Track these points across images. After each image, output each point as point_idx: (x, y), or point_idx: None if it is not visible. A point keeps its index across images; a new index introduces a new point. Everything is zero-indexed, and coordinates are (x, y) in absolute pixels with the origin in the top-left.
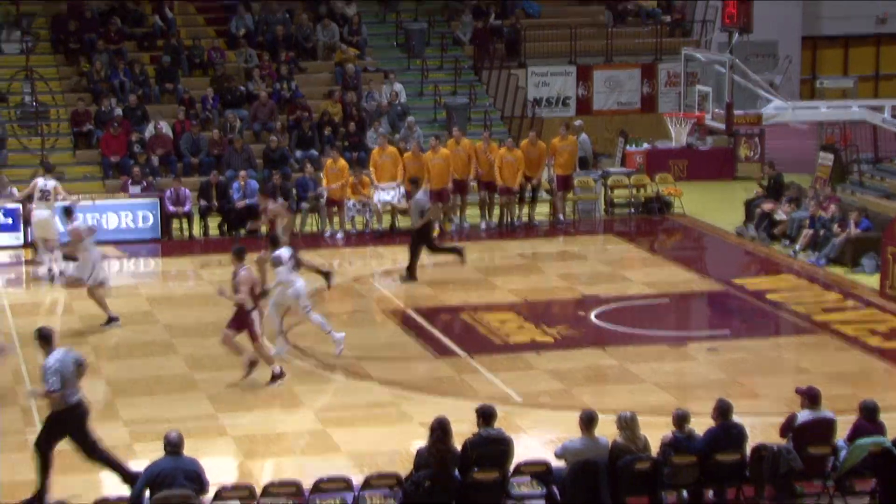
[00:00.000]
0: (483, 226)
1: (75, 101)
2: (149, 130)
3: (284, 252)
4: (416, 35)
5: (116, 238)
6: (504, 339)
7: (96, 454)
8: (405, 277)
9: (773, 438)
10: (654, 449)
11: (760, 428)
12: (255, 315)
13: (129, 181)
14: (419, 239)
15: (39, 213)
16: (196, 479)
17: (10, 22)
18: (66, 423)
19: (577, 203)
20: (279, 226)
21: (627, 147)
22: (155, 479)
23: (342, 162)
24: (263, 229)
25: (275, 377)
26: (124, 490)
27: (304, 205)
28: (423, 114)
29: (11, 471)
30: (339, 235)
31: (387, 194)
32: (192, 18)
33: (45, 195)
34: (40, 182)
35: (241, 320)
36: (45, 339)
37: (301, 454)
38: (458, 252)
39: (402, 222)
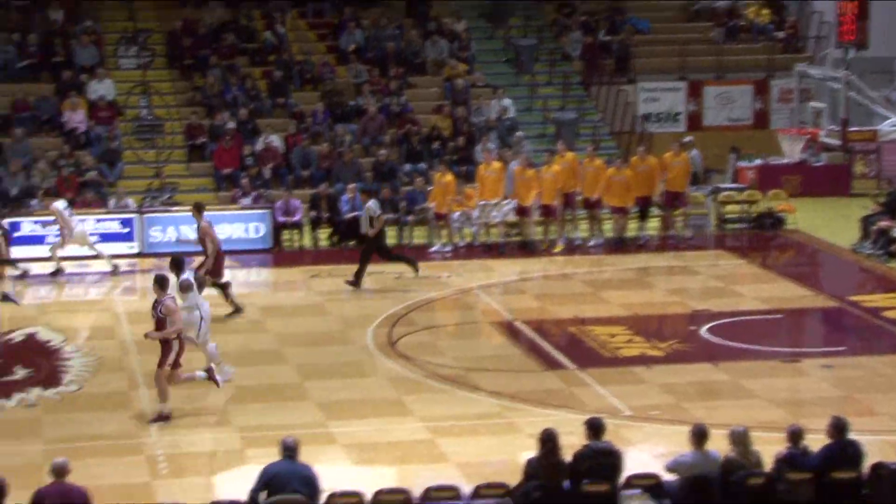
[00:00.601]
0: (592, 242)
1: (189, 114)
2: (260, 144)
3: (190, 275)
4: (526, 51)
5: (228, 248)
6: (613, 352)
7: None
8: (352, 282)
9: (891, 457)
10: (768, 466)
11: (878, 446)
12: (174, 344)
13: (240, 193)
14: (371, 246)
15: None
16: (310, 484)
17: (128, 38)
18: None
19: (688, 218)
20: (209, 247)
21: (739, 163)
22: (270, 480)
23: (449, 176)
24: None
25: (161, 417)
26: (239, 493)
27: (411, 217)
28: (531, 129)
29: (125, 475)
30: (447, 248)
31: (493, 210)
32: (304, 34)
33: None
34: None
35: (166, 350)
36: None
37: (410, 463)
38: (412, 263)
39: (510, 237)
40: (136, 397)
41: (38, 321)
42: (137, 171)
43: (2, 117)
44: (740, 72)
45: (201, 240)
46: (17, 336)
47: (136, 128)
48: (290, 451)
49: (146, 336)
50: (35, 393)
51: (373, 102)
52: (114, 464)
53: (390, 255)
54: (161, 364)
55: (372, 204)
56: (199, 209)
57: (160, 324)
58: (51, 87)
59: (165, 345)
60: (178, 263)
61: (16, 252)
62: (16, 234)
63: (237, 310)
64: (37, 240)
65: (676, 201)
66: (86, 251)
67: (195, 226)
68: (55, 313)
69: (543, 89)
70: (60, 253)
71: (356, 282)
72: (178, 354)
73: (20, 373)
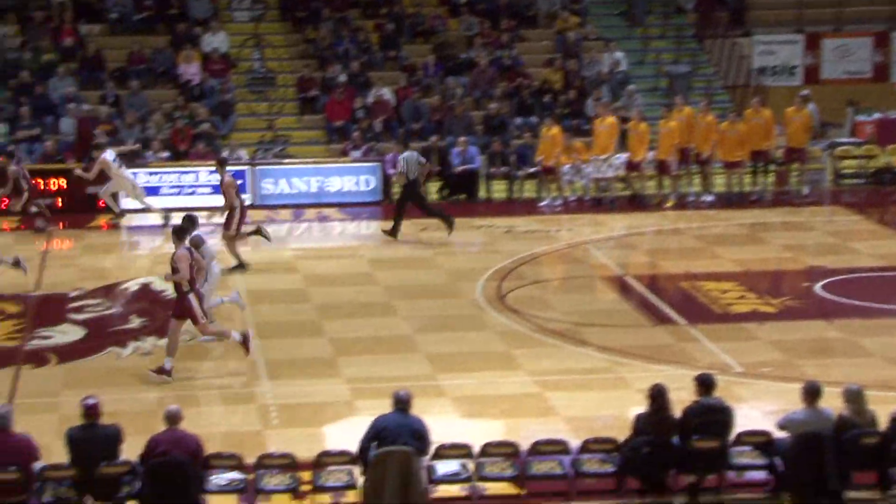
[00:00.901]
0: (706, 197)
1: (301, 67)
2: (371, 97)
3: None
4: (639, 3)
5: (339, 201)
6: (725, 308)
7: None
8: (388, 233)
9: None
10: (883, 425)
11: None
12: (192, 298)
13: (351, 146)
14: (406, 197)
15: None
16: (420, 437)
17: None
18: None
19: (805, 174)
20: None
21: (857, 117)
22: (380, 433)
23: (555, 129)
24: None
25: (163, 371)
26: (348, 444)
27: (522, 172)
28: (644, 82)
29: (236, 423)
30: (557, 202)
31: (604, 165)
32: None
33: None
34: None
35: (181, 306)
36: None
37: (518, 416)
38: (447, 220)
39: (621, 191)
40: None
41: (151, 272)
42: (250, 124)
43: (118, 70)
44: (859, 24)
45: (224, 194)
46: (132, 286)
47: (249, 80)
48: (402, 403)
49: (165, 279)
50: (150, 342)
51: (484, 55)
52: (225, 412)
53: (427, 208)
54: (186, 316)
55: (411, 156)
56: (221, 163)
57: (175, 274)
58: (166, 39)
59: (179, 296)
60: (192, 220)
61: (131, 203)
62: None
63: (241, 265)
64: (151, 191)
65: (795, 156)
66: (136, 205)
67: (219, 180)
68: (167, 264)
69: (656, 42)
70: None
71: (393, 232)
72: (190, 304)
73: (135, 322)
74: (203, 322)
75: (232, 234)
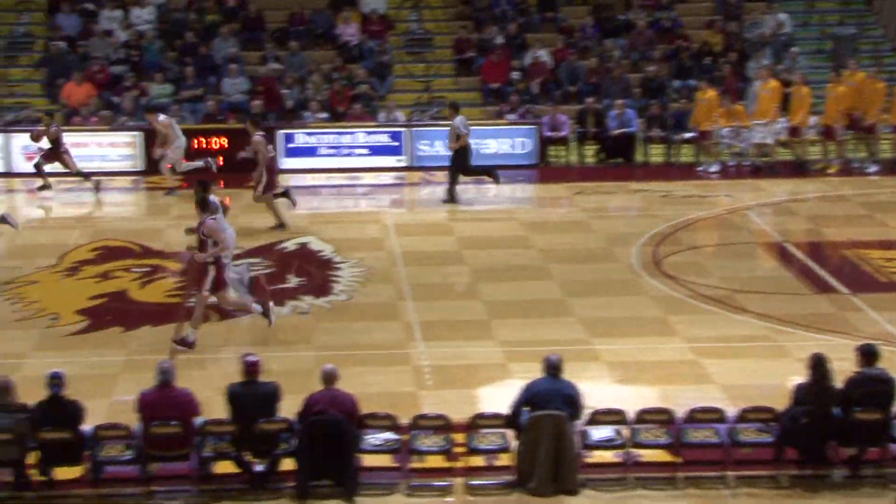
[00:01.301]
0: (871, 167)
1: (458, 28)
2: (528, 58)
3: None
4: None
5: (494, 163)
6: (890, 277)
7: None
8: (445, 200)
9: None
10: None
11: None
12: (211, 269)
13: (507, 108)
14: (455, 162)
15: None
16: (572, 403)
17: None
18: None
19: None
20: (260, 158)
21: None
22: (532, 398)
23: (711, 92)
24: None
25: (186, 343)
26: (500, 407)
27: (679, 136)
28: (807, 44)
29: (391, 383)
30: (715, 167)
31: (766, 129)
32: None
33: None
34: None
35: (202, 273)
36: None
37: (673, 383)
38: (492, 173)
39: (783, 156)
40: (404, 308)
41: (309, 231)
42: (407, 85)
43: (279, 30)
44: None
45: (254, 154)
46: (290, 245)
47: (407, 41)
48: (553, 368)
49: (196, 258)
50: (307, 301)
51: (643, 17)
52: (381, 372)
53: (473, 170)
54: (200, 288)
55: (458, 120)
56: (254, 123)
57: (204, 245)
58: (326, 0)
59: (203, 268)
60: (204, 185)
61: (289, 163)
62: (290, 146)
63: (281, 224)
64: (309, 151)
65: None
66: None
67: (250, 139)
68: (325, 224)
69: (821, 3)
70: (187, 166)
71: (450, 198)
72: (219, 276)
73: (293, 281)
74: (205, 294)
75: (260, 195)
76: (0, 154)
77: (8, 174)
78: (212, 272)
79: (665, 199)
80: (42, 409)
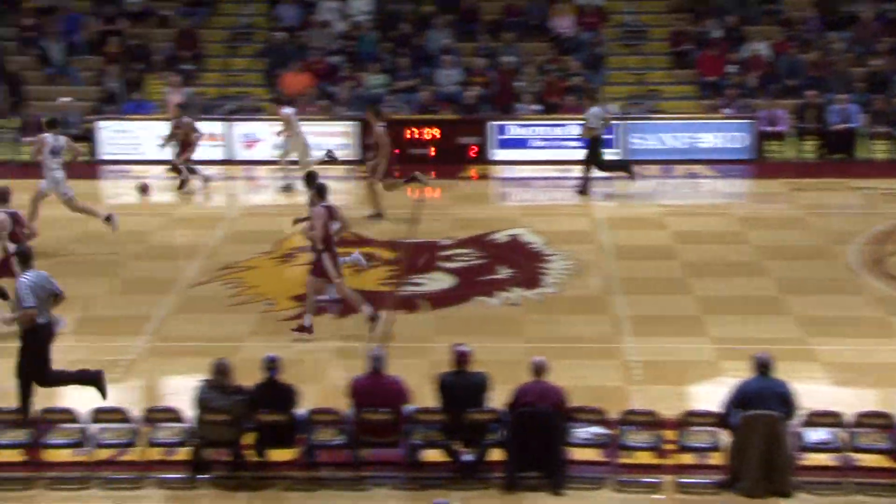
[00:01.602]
0: None
1: (674, 21)
2: (747, 51)
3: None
4: None
5: (709, 157)
6: None
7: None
8: (580, 191)
9: None
10: None
11: None
12: (326, 257)
13: (723, 101)
14: (588, 154)
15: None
16: (786, 402)
17: None
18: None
19: None
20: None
21: None
22: (744, 397)
23: None
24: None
25: (305, 328)
26: (711, 404)
27: None
28: None
29: (600, 377)
30: None
31: None
32: None
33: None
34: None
35: (318, 265)
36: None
37: (893, 387)
38: (628, 168)
39: None
40: (613, 302)
41: (520, 223)
42: (620, 78)
43: (493, 22)
44: None
45: (375, 143)
46: (501, 237)
47: (622, 33)
48: (763, 366)
49: (303, 233)
50: (517, 293)
51: (868, 9)
52: (590, 366)
53: (607, 165)
54: (323, 275)
55: (593, 111)
56: (376, 113)
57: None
58: None
59: (315, 254)
60: (311, 177)
61: (501, 155)
62: (501, 137)
63: (378, 214)
64: (520, 143)
65: None
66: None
67: (373, 128)
68: (536, 216)
69: None
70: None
71: (583, 190)
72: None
73: (503, 272)
74: (339, 281)
75: (379, 180)
76: (222, 142)
77: (229, 161)
78: (326, 259)
79: (888, 197)
80: (259, 392)
